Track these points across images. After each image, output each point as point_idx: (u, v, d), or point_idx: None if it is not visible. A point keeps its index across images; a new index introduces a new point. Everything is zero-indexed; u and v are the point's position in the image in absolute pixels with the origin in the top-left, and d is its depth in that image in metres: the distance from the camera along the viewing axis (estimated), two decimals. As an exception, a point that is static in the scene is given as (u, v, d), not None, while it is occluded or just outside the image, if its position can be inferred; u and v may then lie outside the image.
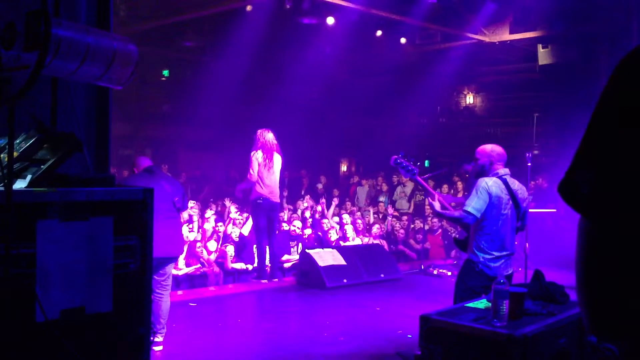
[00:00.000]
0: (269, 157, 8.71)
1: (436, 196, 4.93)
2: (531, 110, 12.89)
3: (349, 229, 10.79)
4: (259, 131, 8.81)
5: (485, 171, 4.89)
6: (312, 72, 13.96)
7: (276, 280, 8.94)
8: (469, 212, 4.67)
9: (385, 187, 14.70)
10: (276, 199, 8.87)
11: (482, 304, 3.93)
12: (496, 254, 4.74)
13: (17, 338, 2.42)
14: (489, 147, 4.92)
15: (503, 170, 4.84)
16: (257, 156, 8.64)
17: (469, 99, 16.67)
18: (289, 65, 13.58)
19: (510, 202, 4.79)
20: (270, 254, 8.98)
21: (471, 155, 8.21)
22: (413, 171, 5.08)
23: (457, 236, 5.25)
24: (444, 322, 3.49)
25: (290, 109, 13.92)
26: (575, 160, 1.17)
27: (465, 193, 9.74)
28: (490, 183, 4.73)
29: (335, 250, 9.40)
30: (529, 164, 7.73)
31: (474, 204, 4.68)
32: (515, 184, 4.88)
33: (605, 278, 1.10)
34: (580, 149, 1.18)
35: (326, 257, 9.06)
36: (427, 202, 5.17)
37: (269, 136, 8.77)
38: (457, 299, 4.70)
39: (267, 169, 8.66)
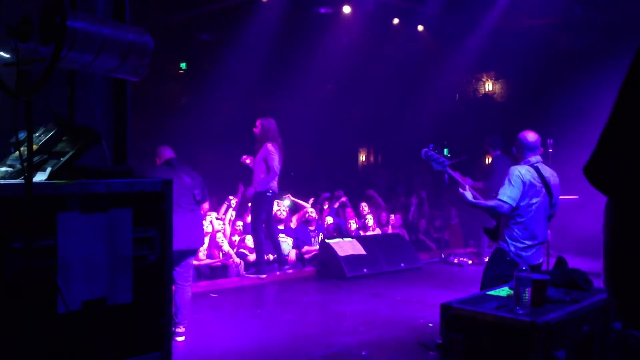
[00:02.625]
0: (280, 146, 8.37)
1: (467, 186, 4.89)
2: (552, 96, 12.73)
3: (369, 218, 10.76)
4: (264, 121, 8.33)
5: (515, 157, 4.90)
6: (329, 62, 13.89)
7: (290, 271, 8.77)
8: (504, 201, 4.63)
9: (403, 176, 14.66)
10: (277, 189, 8.52)
11: (504, 291, 3.89)
12: (528, 242, 4.70)
13: (40, 329, 2.44)
14: (520, 134, 4.90)
15: (535, 158, 4.81)
16: (272, 148, 8.24)
17: (488, 85, 16.51)
18: (306, 55, 13.53)
19: (543, 189, 4.74)
20: (275, 245, 8.77)
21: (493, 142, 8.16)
22: (444, 163, 4.99)
23: (488, 226, 5.18)
24: (465, 310, 3.46)
25: (307, 99, 13.89)
26: (601, 142, 1.14)
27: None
28: (523, 171, 4.69)
29: (355, 240, 9.39)
30: (550, 150, 7.64)
31: (509, 193, 4.64)
32: (547, 171, 4.82)
33: (633, 261, 1.07)
34: (606, 131, 1.15)
35: (346, 247, 9.05)
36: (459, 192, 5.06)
37: (274, 124, 8.32)
38: (484, 287, 4.65)
39: (279, 160, 8.35)
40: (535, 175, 4.72)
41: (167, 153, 6.03)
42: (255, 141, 8.47)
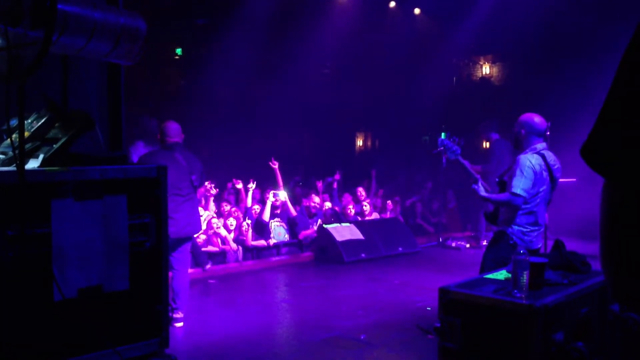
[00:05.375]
0: None
1: (479, 178, 4.84)
2: (550, 79, 12.68)
3: (366, 203, 10.74)
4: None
5: (519, 141, 4.78)
6: (326, 46, 13.84)
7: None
8: (517, 195, 4.57)
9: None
10: None
11: (501, 275, 3.88)
12: (531, 227, 4.70)
13: (36, 318, 2.43)
14: (525, 117, 4.77)
15: (541, 145, 4.72)
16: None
17: (486, 69, 16.44)
18: (303, 39, 13.46)
19: (548, 177, 4.71)
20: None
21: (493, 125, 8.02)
22: (457, 152, 4.92)
23: (486, 210, 5.15)
24: (463, 293, 3.45)
25: (304, 83, 13.82)
26: (598, 123, 1.12)
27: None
28: (533, 161, 4.61)
29: (352, 225, 9.39)
30: (548, 133, 7.61)
31: (522, 185, 4.56)
32: (551, 157, 4.77)
33: (630, 244, 1.05)
34: (603, 111, 1.12)
35: (344, 232, 9.05)
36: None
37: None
38: (484, 270, 4.63)
39: None
40: (542, 163, 4.67)
41: (174, 133, 5.85)
42: None
